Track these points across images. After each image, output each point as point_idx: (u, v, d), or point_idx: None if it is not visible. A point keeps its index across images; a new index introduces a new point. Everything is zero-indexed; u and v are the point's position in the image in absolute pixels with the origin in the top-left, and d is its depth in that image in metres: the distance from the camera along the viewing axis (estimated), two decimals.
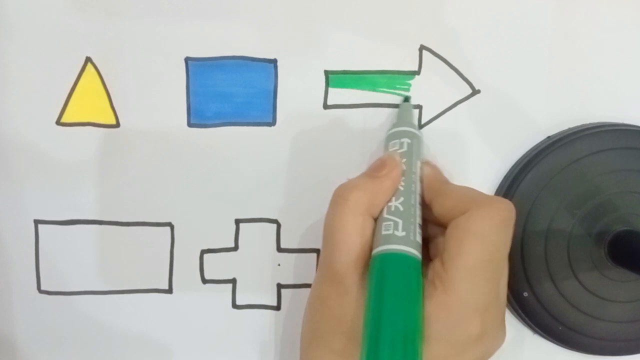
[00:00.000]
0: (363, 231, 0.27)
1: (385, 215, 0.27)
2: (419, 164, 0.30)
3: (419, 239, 0.27)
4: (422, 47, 0.32)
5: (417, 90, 0.32)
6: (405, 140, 0.30)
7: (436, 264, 0.26)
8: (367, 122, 0.32)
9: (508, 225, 0.27)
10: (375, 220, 0.28)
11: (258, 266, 0.34)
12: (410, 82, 0.32)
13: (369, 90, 0.32)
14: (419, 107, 0.33)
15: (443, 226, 0.28)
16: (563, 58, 0.32)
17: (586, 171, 0.32)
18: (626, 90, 0.33)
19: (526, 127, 0.33)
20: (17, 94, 0.32)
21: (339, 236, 0.27)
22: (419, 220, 0.28)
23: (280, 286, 0.34)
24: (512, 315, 0.34)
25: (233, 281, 0.34)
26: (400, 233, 0.26)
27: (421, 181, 0.29)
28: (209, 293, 0.34)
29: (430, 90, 0.32)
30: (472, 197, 0.27)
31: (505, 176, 0.33)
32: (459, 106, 0.33)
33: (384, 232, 0.27)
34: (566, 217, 0.32)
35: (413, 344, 0.24)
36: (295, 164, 0.33)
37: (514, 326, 0.35)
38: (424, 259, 0.27)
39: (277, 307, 0.34)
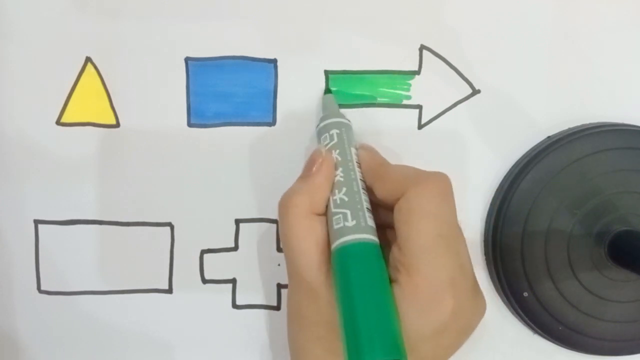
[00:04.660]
0: (314, 231, 0.27)
1: (332, 209, 0.27)
2: (353, 150, 0.30)
3: (371, 223, 0.27)
4: (422, 47, 0.32)
5: (417, 90, 0.32)
6: (335, 132, 0.30)
7: (394, 250, 0.27)
8: (367, 122, 0.32)
9: (447, 196, 0.27)
10: (324, 216, 0.28)
11: (258, 266, 0.34)
12: (410, 82, 0.32)
13: (369, 90, 0.32)
14: (419, 107, 0.33)
15: (390, 209, 0.28)
16: (563, 58, 0.32)
17: (586, 171, 0.32)
18: (626, 90, 0.33)
19: (526, 127, 0.33)
20: (18, 94, 0.32)
21: (295, 244, 0.27)
22: (366, 205, 0.28)
23: (280, 286, 0.34)
24: (512, 315, 0.34)
25: (233, 281, 0.34)
26: (350, 223, 0.26)
27: (360, 167, 0.29)
28: (209, 293, 0.34)
29: (430, 90, 0.32)
30: (407, 177, 0.27)
31: (505, 176, 0.33)
32: (459, 106, 0.33)
33: (335, 227, 0.27)
34: (566, 217, 0.32)
35: (391, 330, 0.24)
36: (295, 164, 0.33)
37: (514, 326, 0.35)
38: (385, 245, 0.27)
39: (277, 307, 0.34)
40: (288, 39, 0.32)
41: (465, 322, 0.26)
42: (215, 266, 0.34)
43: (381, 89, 0.32)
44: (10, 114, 0.32)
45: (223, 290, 0.34)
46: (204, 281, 0.34)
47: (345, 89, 0.32)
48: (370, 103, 0.33)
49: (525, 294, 0.33)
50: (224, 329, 0.34)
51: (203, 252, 0.34)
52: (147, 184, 0.33)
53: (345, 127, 0.30)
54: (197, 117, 0.32)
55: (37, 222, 0.33)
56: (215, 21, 0.31)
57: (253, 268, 0.34)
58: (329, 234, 0.27)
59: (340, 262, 0.26)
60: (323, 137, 0.30)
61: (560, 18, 0.32)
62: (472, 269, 0.27)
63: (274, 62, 0.32)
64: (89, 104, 0.32)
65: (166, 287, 0.34)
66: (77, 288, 0.34)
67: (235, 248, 0.34)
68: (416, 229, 0.26)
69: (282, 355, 0.35)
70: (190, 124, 0.32)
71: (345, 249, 0.26)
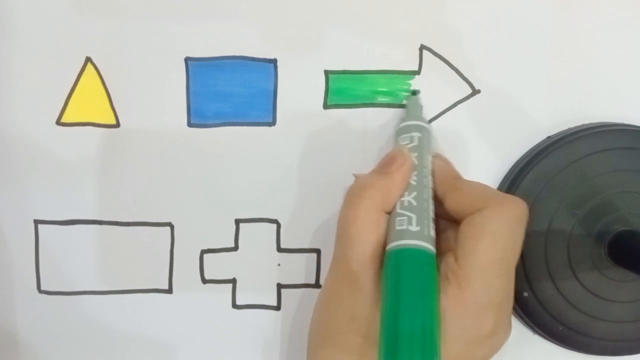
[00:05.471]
0: (377, 227, 0.27)
1: (398, 210, 0.27)
2: (430, 157, 0.30)
3: (433, 233, 0.27)
4: (422, 47, 0.32)
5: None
6: (416, 134, 0.30)
7: (449, 259, 0.27)
8: (367, 122, 0.33)
9: (521, 224, 0.27)
10: (389, 215, 0.28)
11: (258, 266, 0.34)
12: (411, 82, 0.32)
13: (369, 90, 0.32)
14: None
15: (454, 221, 0.28)
16: (563, 58, 0.32)
17: (586, 171, 0.32)
18: (626, 90, 0.33)
19: (526, 127, 0.33)
20: (18, 94, 0.32)
21: (354, 233, 0.27)
22: (432, 214, 0.28)
23: (280, 286, 0.34)
24: (512, 315, 0.34)
25: (233, 281, 0.34)
26: (414, 228, 0.26)
27: (433, 175, 0.29)
28: (209, 293, 0.34)
29: (430, 90, 0.32)
30: (487, 195, 0.28)
31: (505, 176, 0.33)
32: (459, 106, 0.33)
33: (398, 227, 0.26)
34: (566, 217, 0.32)
35: (431, 339, 0.24)
36: (295, 164, 0.33)
37: (514, 326, 0.34)
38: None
39: (277, 307, 0.34)
40: (288, 39, 0.32)
41: (497, 344, 0.27)
42: (215, 266, 0.34)
43: (381, 89, 0.32)
44: (11, 114, 0.32)
45: (223, 290, 0.34)
46: (204, 281, 0.34)
47: (345, 88, 0.32)
48: (370, 103, 0.33)
49: (525, 294, 0.33)
50: (224, 329, 0.34)
51: (203, 252, 0.34)
52: (147, 184, 0.33)
53: (427, 133, 0.30)
54: (197, 117, 0.32)
55: (37, 222, 0.33)
56: (215, 21, 0.31)
57: (253, 268, 0.34)
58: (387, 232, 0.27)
59: (396, 263, 0.26)
60: (403, 137, 0.30)
61: (560, 18, 0.32)
62: (513, 298, 0.28)
63: (274, 62, 0.32)
64: (89, 104, 0.32)
65: (166, 287, 0.34)
66: (77, 288, 0.34)
67: (235, 248, 0.34)
68: (483, 246, 0.26)
69: (283, 355, 0.35)
70: (190, 124, 0.32)
71: (404, 252, 0.26)
